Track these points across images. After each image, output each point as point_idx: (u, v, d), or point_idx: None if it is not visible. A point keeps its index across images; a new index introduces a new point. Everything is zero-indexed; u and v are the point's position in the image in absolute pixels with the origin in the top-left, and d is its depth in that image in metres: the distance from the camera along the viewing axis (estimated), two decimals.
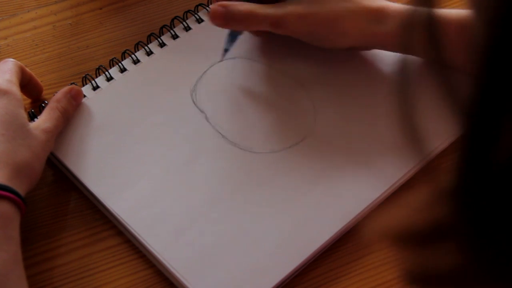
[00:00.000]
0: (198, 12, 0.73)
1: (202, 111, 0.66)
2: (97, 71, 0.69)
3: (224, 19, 0.64)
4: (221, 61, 0.69)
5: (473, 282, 0.32)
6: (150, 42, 0.71)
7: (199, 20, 0.73)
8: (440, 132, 0.61)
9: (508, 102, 0.28)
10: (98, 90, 0.68)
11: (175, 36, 0.71)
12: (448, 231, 0.32)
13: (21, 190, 0.56)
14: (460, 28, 0.55)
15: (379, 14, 0.63)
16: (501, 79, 0.28)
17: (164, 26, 0.72)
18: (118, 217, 0.60)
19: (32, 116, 0.65)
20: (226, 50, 0.68)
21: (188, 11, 0.73)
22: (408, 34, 0.33)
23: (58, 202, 0.63)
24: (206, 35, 0.72)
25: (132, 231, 0.59)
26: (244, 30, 0.67)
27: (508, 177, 0.28)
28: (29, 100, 0.68)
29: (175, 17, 0.72)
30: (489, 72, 0.28)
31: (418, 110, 0.32)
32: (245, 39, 0.70)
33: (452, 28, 0.37)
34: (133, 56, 0.70)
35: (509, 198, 0.29)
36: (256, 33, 0.68)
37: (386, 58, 0.68)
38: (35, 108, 0.67)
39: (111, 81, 0.68)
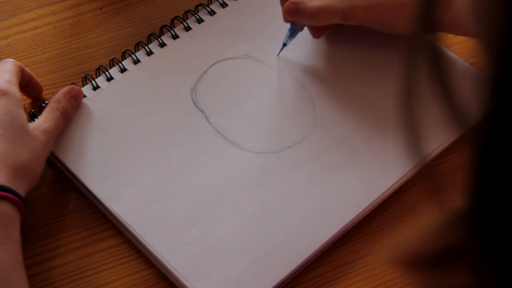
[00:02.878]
0: (198, 12, 0.73)
1: (202, 111, 0.66)
2: (97, 71, 0.69)
3: (295, 15, 0.66)
4: (278, 55, 0.69)
5: None
6: (150, 42, 0.71)
7: (199, 20, 0.73)
8: (439, 134, 0.61)
9: None
10: (98, 90, 0.68)
11: (175, 36, 0.71)
12: (461, 255, 0.32)
13: (21, 190, 0.56)
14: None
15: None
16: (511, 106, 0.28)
17: (164, 26, 0.72)
18: (118, 217, 0.60)
19: (32, 116, 0.65)
20: (284, 45, 0.69)
21: (188, 11, 0.73)
22: (419, 12, 0.33)
23: (58, 202, 0.63)
24: (206, 35, 0.72)
25: (132, 231, 0.59)
26: (316, 25, 0.68)
27: None
28: (29, 100, 0.68)
29: (175, 17, 0.72)
30: (499, 100, 0.28)
31: (420, 112, 0.32)
32: (254, 37, 0.70)
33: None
34: (133, 56, 0.70)
35: None
36: (318, 33, 0.69)
37: (388, 58, 0.68)
38: (35, 108, 0.67)
39: (111, 81, 0.68)
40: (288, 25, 0.69)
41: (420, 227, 0.35)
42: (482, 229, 0.30)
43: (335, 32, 0.69)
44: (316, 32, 0.69)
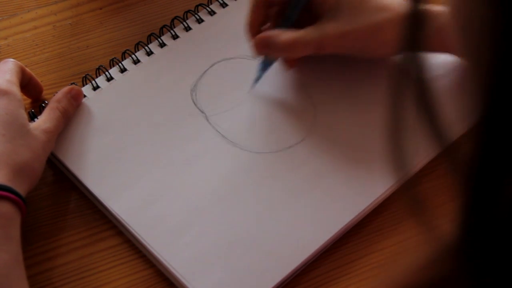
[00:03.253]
0: (198, 12, 0.73)
1: (202, 111, 0.66)
2: (97, 71, 0.69)
3: (268, 49, 0.65)
4: (250, 91, 0.67)
5: None
6: (150, 42, 0.71)
7: (199, 20, 0.73)
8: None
9: (509, 160, 0.28)
10: (98, 90, 0.68)
11: (175, 36, 0.71)
12: (454, 286, 0.32)
13: (22, 190, 0.56)
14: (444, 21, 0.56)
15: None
16: (500, 137, 0.28)
17: (164, 26, 0.72)
18: (118, 217, 0.60)
19: (32, 116, 0.65)
20: (257, 79, 0.67)
21: (188, 11, 0.73)
22: (404, 32, 0.33)
23: (58, 202, 0.63)
24: (206, 35, 0.72)
25: (132, 231, 0.59)
26: (288, 58, 0.66)
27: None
28: (29, 100, 0.68)
29: (175, 17, 0.72)
30: (488, 132, 0.28)
31: (406, 126, 0.32)
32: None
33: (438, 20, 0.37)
34: (133, 56, 0.70)
35: None
36: (291, 64, 0.67)
37: (387, 60, 0.68)
38: (35, 108, 0.67)
39: (111, 81, 0.68)
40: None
41: (411, 259, 0.35)
42: (473, 262, 0.30)
43: None
44: (289, 64, 0.67)
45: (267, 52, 0.66)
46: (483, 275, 0.30)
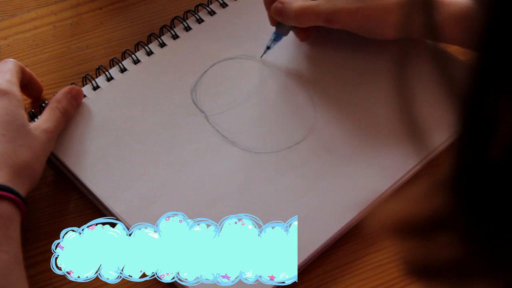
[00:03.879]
0: (198, 12, 0.73)
1: (202, 111, 0.66)
2: (97, 71, 0.69)
3: (280, 14, 0.67)
4: (261, 57, 0.69)
5: (473, 272, 0.32)
6: (150, 42, 0.71)
7: (199, 20, 0.73)
8: (444, 128, 0.61)
9: (504, 88, 0.28)
10: (98, 90, 0.68)
11: (175, 36, 0.71)
12: (447, 222, 0.32)
13: (22, 190, 0.56)
14: (458, 13, 0.56)
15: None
16: (497, 64, 0.28)
17: (164, 26, 0.72)
18: (118, 217, 0.60)
19: (33, 116, 0.65)
20: (268, 48, 0.69)
21: (188, 11, 0.73)
22: (408, 17, 0.33)
23: (58, 202, 0.63)
24: (206, 35, 0.72)
25: None
26: (299, 26, 0.68)
27: (505, 167, 0.28)
28: (29, 100, 0.68)
29: (175, 17, 0.72)
30: (485, 56, 0.28)
31: (418, 105, 0.32)
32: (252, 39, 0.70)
33: (450, 12, 0.38)
34: (133, 56, 0.70)
35: (506, 189, 0.29)
36: (303, 35, 0.69)
37: (386, 57, 0.68)
38: (35, 108, 0.67)
39: (112, 81, 0.68)
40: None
41: (410, 194, 0.35)
42: (467, 197, 0.30)
43: (333, 34, 0.69)
44: (301, 34, 0.69)
45: (280, 19, 0.67)
46: (477, 210, 0.30)
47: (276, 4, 0.67)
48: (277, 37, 0.69)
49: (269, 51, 0.69)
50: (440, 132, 0.60)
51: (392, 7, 0.64)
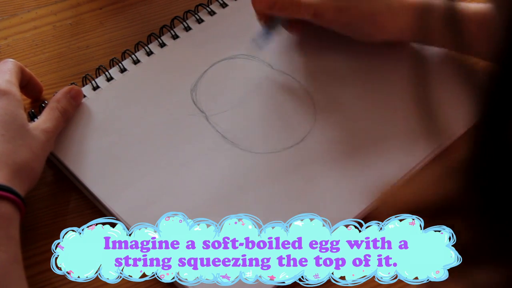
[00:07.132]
0: (198, 12, 0.73)
1: (202, 111, 0.66)
2: (97, 71, 0.69)
3: (268, 5, 0.65)
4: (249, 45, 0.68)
5: (483, 257, 0.32)
6: (150, 42, 0.71)
7: (199, 20, 0.73)
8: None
9: None
10: (98, 90, 0.68)
11: (175, 36, 0.71)
12: (459, 206, 0.32)
13: (21, 190, 0.56)
14: (480, 19, 0.56)
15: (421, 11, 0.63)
16: None
17: (164, 26, 0.72)
18: (118, 217, 0.60)
19: (32, 116, 0.65)
20: (257, 43, 0.67)
21: (188, 11, 0.73)
22: (426, 24, 0.33)
23: (58, 202, 0.63)
24: (206, 35, 0.72)
25: None
26: (287, 17, 0.67)
27: None
28: (29, 100, 0.68)
29: (175, 17, 0.72)
30: (507, 57, 0.28)
31: (436, 98, 0.33)
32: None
33: (472, 19, 0.38)
34: (133, 56, 0.70)
35: None
36: (293, 29, 0.68)
37: (387, 57, 0.68)
38: (35, 108, 0.67)
39: (111, 81, 0.68)
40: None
41: (422, 178, 0.35)
42: (481, 182, 0.30)
43: (334, 34, 0.69)
44: (291, 28, 0.68)
45: (266, 7, 0.66)
46: (490, 195, 0.30)
47: None
48: (266, 33, 0.67)
49: (268, 51, 0.69)
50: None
51: (379, 9, 0.64)
